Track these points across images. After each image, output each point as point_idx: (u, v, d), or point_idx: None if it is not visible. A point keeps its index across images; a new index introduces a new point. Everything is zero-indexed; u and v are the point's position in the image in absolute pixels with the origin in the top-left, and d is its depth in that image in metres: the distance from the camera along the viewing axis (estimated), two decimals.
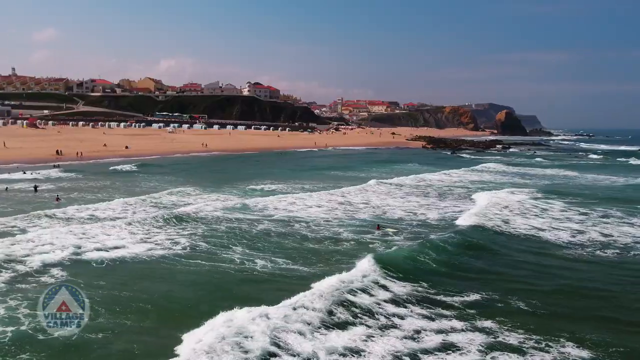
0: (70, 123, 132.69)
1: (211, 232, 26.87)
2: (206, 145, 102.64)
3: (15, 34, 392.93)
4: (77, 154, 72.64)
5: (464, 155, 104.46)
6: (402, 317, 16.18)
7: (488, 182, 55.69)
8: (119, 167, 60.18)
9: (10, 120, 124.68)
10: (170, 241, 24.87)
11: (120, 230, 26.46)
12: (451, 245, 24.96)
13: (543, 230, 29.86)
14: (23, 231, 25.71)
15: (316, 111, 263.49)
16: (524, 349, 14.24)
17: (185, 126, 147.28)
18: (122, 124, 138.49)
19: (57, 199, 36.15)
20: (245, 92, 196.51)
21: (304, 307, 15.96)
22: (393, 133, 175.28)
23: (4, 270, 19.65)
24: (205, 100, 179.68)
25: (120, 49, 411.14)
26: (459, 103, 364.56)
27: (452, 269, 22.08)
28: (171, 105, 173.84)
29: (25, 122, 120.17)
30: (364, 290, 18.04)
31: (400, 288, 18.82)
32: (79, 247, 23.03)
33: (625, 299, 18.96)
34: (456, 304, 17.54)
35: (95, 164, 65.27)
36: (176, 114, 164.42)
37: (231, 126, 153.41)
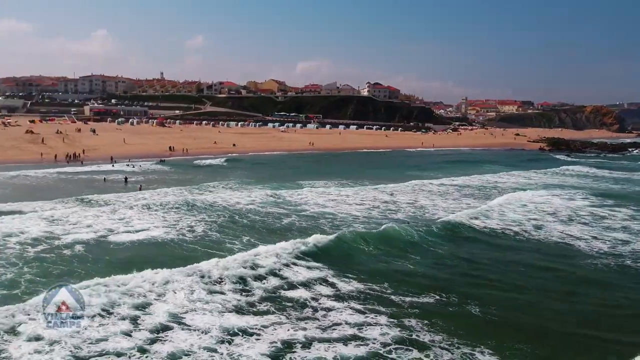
0: (195, 122, 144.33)
1: (228, 221, 28.28)
2: (312, 143, 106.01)
3: (175, 41, 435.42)
4: (183, 150, 79.25)
5: (560, 157, 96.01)
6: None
7: (551, 184, 51.48)
8: (209, 162, 64.95)
9: (144, 120, 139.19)
10: (188, 228, 26.68)
11: (154, 216, 28.95)
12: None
13: (526, 229, 28.54)
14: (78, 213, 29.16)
15: (440, 111, 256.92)
16: (431, 346, 13.49)
17: (298, 125, 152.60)
18: (239, 124, 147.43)
19: (140, 188, 41.22)
20: (365, 93, 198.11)
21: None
22: (517, 134, 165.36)
23: (42, 243, 22.71)
24: (322, 101, 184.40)
25: (260, 54, 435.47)
26: (607, 102, 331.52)
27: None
28: (289, 105, 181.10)
29: (155, 121, 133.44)
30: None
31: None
32: (111, 230, 25.70)
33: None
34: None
35: (194, 158, 70.81)
36: (293, 114, 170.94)
37: (343, 126, 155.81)
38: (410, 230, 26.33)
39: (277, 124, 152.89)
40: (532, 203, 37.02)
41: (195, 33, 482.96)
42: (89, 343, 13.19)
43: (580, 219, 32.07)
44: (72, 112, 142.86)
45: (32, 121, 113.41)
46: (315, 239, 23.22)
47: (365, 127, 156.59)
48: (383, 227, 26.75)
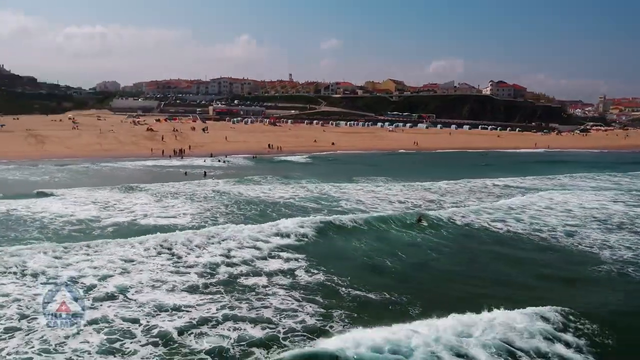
0: (305, 122, 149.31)
1: (256, 214, 29.79)
2: (417, 143, 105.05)
3: (309, 44, 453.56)
4: (277, 147, 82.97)
5: None
6: None
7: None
8: (294, 159, 67.75)
9: (259, 119, 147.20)
10: (212, 218, 28.63)
11: (191, 206, 31.42)
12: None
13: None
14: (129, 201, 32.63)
15: (576, 111, 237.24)
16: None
17: (407, 125, 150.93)
18: (349, 123, 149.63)
19: (205, 174, 45.57)
20: (487, 91, 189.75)
21: None
22: None
23: (81, 224, 26.12)
24: (436, 100, 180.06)
25: (391, 54, 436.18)
26: None
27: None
28: (402, 105, 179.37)
29: (267, 120, 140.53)
30: None
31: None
32: (145, 215, 28.55)
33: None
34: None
35: (285, 155, 74.01)
36: (405, 113, 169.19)
37: (455, 125, 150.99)
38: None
39: (387, 124, 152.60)
40: (545, 203, 34.18)
41: (329, 35, 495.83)
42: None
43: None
44: (197, 112, 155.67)
45: (158, 120, 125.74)
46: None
47: (480, 127, 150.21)
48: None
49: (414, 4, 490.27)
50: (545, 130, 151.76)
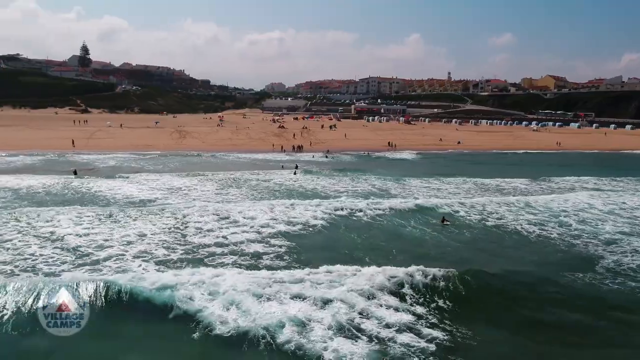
0: (443, 120, 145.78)
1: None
2: (559, 143, 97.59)
3: (478, 41, 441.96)
4: (391, 144, 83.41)
5: None
6: None
7: None
8: (401, 157, 68.24)
9: (396, 118, 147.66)
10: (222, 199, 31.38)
11: (234, 191, 34.63)
12: None
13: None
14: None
15: None
16: None
17: (557, 124, 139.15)
18: (489, 122, 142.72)
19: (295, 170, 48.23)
20: None
21: None
22: None
23: (114, 199, 30.87)
24: (597, 97, 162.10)
25: (574, 48, 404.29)
26: None
27: None
28: (557, 103, 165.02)
29: (402, 119, 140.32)
30: None
31: None
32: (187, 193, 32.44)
33: None
34: None
35: (395, 152, 74.35)
36: (559, 112, 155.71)
37: (614, 125, 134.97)
38: None
39: (534, 123, 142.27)
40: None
41: (502, 31, 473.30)
42: None
43: None
44: (339, 111, 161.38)
45: (296, 118, 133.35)
46: None
47: None
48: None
49: None
50: None
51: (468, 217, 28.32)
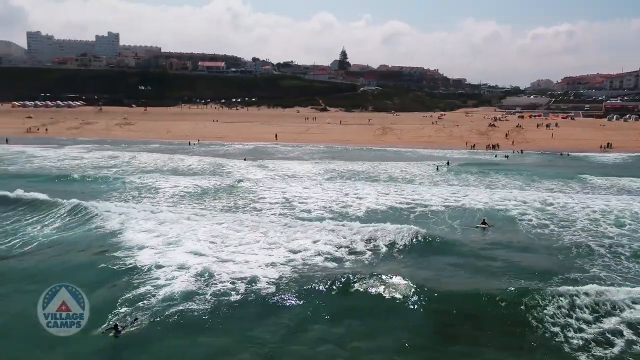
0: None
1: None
2: None
3: None
4: (607, 145, 74.03)
5: None
6: None
7: None
8: (598, 158, 61.76)
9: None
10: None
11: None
12: None
13: None
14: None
15: None
16: None
17: None
18: None
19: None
20: None
21: None
22: None
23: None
24: None
25: None
26: None
27: None
28: None
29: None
30: None
31: None
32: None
33: None
34: None
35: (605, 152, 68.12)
36: None
37: None
38: None
39: None
40: None
41: None
42: None
43: None
44: (585, 108, 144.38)
45: (521, 116, 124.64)
46: None
47: None
48: None
49: None
50: None
51: None
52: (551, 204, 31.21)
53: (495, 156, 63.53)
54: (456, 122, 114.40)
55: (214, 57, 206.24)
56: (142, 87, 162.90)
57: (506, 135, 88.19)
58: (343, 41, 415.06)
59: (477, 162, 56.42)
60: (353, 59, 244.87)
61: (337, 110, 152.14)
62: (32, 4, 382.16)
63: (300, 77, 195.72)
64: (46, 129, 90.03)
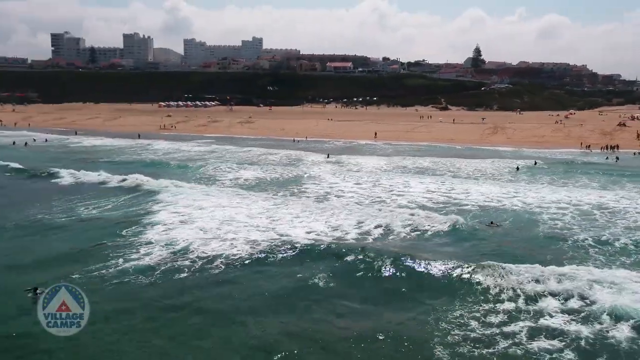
0: None
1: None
2: None
3: None
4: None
5: None
6: None
7: None
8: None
9: None
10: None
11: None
12: None
13: None
14: None
15: None
16: None
17: None
18: None
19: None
20: None
21: None
22: None
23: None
24: None
25: None
26: None
27: None
28: None
29: None
30: None
31: None
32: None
33: None
34: None
35: None
36: None
37: None
38: None
39: None
40: None
41: None
42: None
43: None
44: None
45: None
46: None
47: None
48: None
49: None
50: None
51: None
52: (606, 208, 29.22)
53: (607, 158, 58.66)
54: (583, 121, 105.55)
55: (344, 58, 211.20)
56: (270, 88, 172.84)
57: (637, 135, 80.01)
58: (491, 38, 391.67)
59: (572, 163, 52.79)
60: (494, 56, 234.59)
61: (460, 109, 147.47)
62: (195, 14, 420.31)
63: (426, 76, 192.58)
64: (175, 126, 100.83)
